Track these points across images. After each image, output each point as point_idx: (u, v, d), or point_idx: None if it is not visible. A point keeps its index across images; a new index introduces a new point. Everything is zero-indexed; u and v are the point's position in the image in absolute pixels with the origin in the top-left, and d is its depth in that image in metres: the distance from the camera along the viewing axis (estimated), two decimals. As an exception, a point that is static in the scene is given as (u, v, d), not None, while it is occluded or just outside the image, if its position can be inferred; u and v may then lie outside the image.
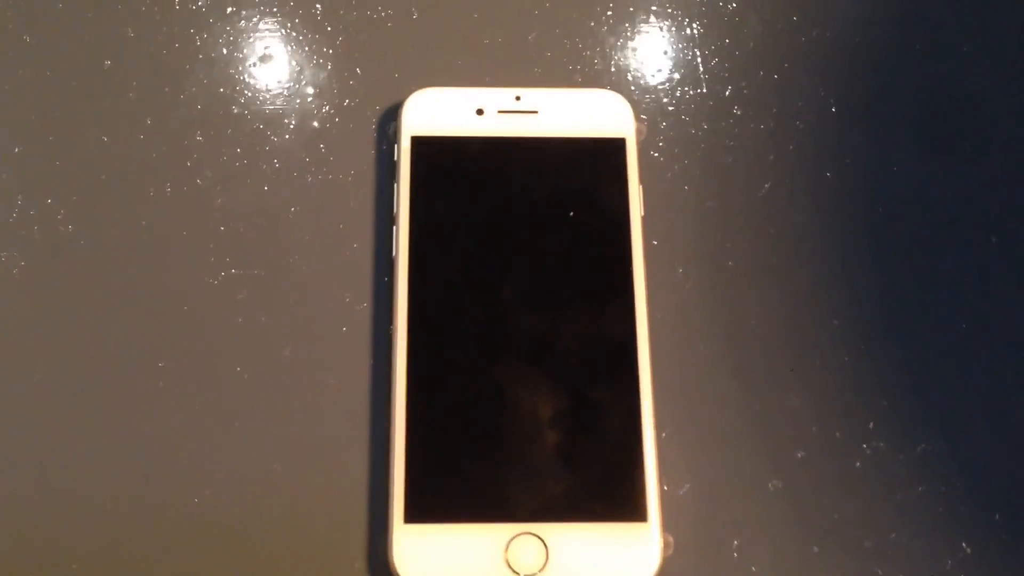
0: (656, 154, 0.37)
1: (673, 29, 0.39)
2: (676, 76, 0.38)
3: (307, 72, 0.38)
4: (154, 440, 0.33)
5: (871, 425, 0.34)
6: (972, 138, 0.37)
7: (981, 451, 0.34)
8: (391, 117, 0.37)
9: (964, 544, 0.33)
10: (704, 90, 0.38)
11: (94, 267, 0.35)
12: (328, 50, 0.38)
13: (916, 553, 0.32)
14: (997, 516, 0.33)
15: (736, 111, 0.38)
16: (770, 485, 0.33)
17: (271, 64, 0.38)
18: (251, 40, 0.38)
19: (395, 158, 0.35)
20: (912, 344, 0.35)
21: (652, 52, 0.39)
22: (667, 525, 0.32)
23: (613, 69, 0.38)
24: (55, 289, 0.35)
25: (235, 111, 0.37)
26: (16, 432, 0.33)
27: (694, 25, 0.39)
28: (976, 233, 0.36)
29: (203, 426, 0.33)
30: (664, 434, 0.33)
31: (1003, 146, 0.37)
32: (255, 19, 0.38)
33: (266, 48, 0.38)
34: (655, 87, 0.38)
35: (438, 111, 0.36)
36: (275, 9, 0.38)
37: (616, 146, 0.36)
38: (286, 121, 0.37)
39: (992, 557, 0.33)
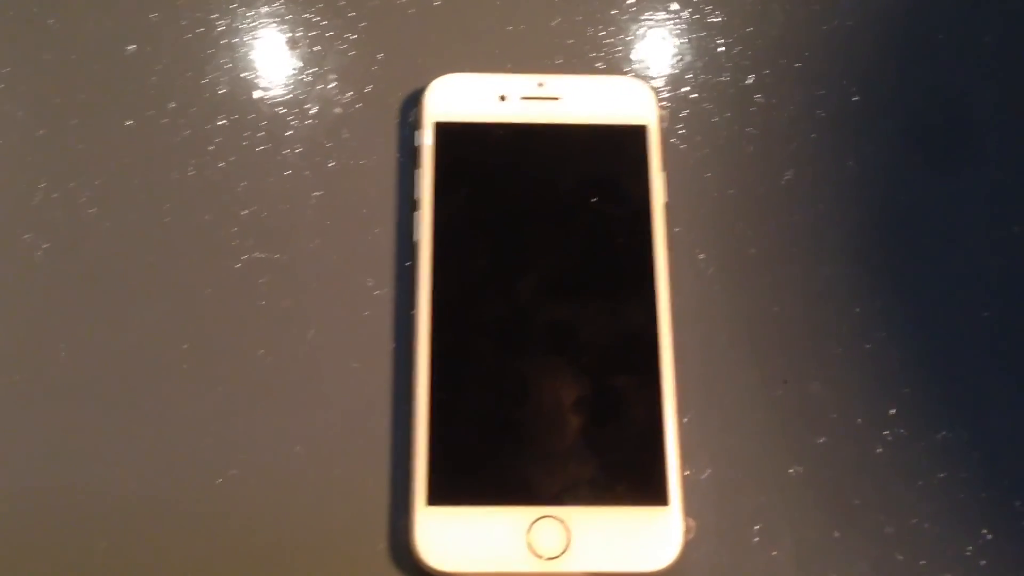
0: (678, 141, 0.37)
1: (695, 17, 0.39)
2: (698, 64, 0.38)
3: (330, 58, 0.38)
4: (177, 422, 0.33)
5: (892, 412, 0.34)
6: (1001, 122, 0.37)
7: (1002, 438, 0.34)
8: (413, 103, 0.37)
9: (985, 530, 0.33)
10: (726, 78, 0.38)
11: (117, 250, 0.35)
12: (351, 36, 0.38)
13: (937, 539, 0.33)
14: (1018, 503, 0.33)
15: (758, 99, 0.38)
16: (791, 471, 0.33)
17: (294, 49, 0.38)
18: (274, 25, 0.38)
19: (417, 144, 0.35)
20: (933, 331, 0.35)
21: (674, 39, 0.39)
22: (689, 509, 0.32)
23: (635, 56, 0.38)
24: (78, 272, 0.35)
25: (257, 96, 0.37)
26: (42, 414, 0.33)
27: (716, 13, 0.39)
28: (1000, 221, 0.36)
29: (226, 408, 0.33)
30: (686, 419, 0.33)
31: (1020, 134, 0.37)
32: (278, 4, 0.39)
33: (289, 33, 0.38)
34: (677, 74, 0.38)
35: (461, 97, 0.36)
36: (298, -5, 0.39)
37: (638, 133, 0.36)
38: (308, 107, 0.37)
39: (1013, 543, 0.33)
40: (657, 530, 0.31)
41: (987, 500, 0.33)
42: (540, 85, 0.36)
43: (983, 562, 0.32)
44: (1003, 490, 0.33)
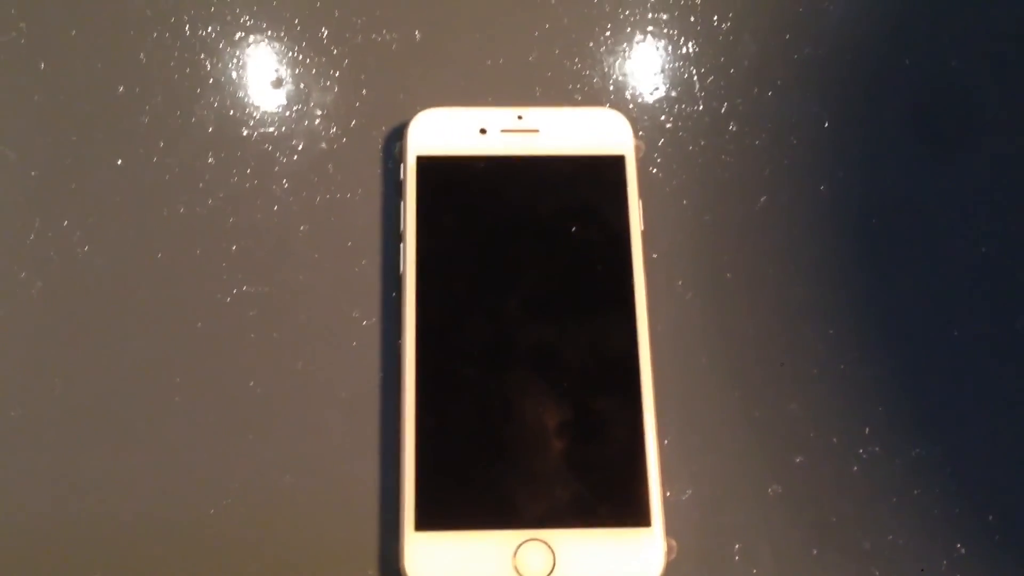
0: (655, 170, 0.38)
1: (669, 48, 0.40)
2: (673, 94, 0.39)
3: (314, 94, 0.39)
4: (171, 453, 0.34)
5: (867, 430, 0.35)
6: (964, 149, 0.38)
7: (974, 455, 0.35)
8: (396, 137, 0.38)
9: (959, 544, 0.34)
10: (700, 107, 0.39)
11: (110, 286, 0.36)
12: (335, 72, 0.39)
13: (912, 554, 0.33)
14: (991, 517, 0.34)
15: (732, 127, 0.39)
16: (770, 490, 0.34)
17: (279, 87, 0.39)
18: (259, 64, 0.39)
19: (401, 177, 0.36)
20: (906, 351, 0.36)
21: (649, 71, 0.40)
22: (670, 530, 0.33)
23: (612, 88, 0.39)
24: (73, 308, 0.36)
25: (245, 133, 0.38)
26: (35, 448, 0.34)
27: (690, 44, 0.40)
28: (967, 243, 0.37)
29: (218, 439, 0.34)
30: (666, 441, 0.34)
31: (994, 159, 0.38)
32: (263, 44, 0.40)
33: (274, 72, 0.39)
34: (653, 105, 0.39)
35: (442, 131, 0.37)
36: (282, 34, 0.40)
37: (616, 163, 0.37)
38: (294, 142, 0.38)
39: (986, 557, 0.33)
40: (640, 551, 0.32)
41: (961, 515, 0.34)
42: (519, 118, 0.37)
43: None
44: (976, 505, 0.34)
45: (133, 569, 0.33)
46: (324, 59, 0.39)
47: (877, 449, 0.35)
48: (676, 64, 0.40)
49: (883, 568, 0.33)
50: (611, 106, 0.38)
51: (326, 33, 0.40)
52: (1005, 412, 0.35)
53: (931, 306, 0.36)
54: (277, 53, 0.39)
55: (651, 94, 0.39)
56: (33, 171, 0.37)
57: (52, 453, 0.34)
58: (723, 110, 0.39)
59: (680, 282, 0.37)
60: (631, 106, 0.39)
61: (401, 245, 0.35)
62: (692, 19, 0.40)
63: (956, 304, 0.36)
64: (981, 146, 0.39)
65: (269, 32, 0.40)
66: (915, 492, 0.34)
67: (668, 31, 0.40)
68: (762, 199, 0.38)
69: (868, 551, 0.33)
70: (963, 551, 0.33)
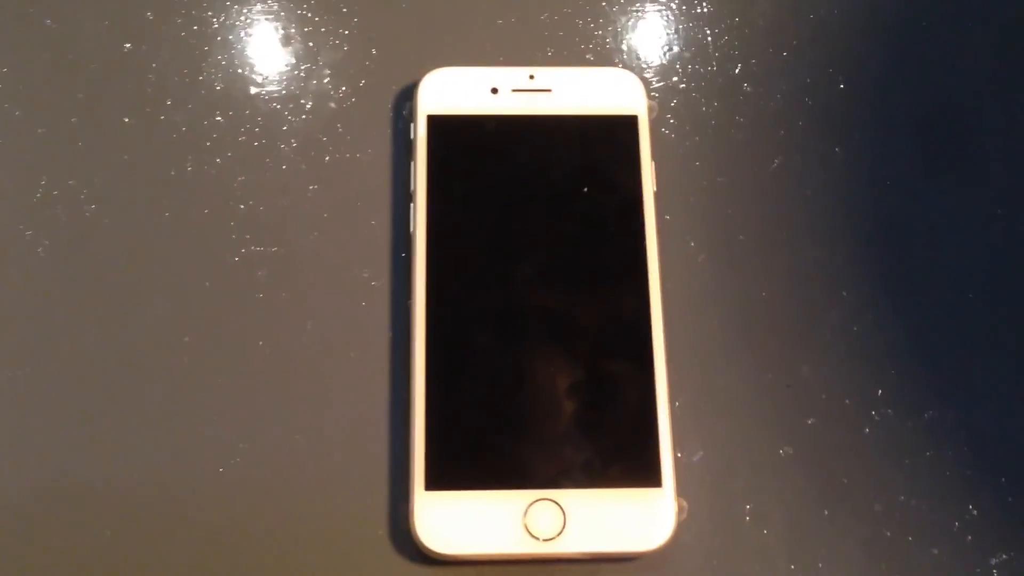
0: (667, 131, 0.38)
1: (683, 8, 0.39)
2: (686, 54, 0.39)
3: (324, 53, 0.38)
4: (179, 413, 0.34)
5: (880, 393, 0.35)
6: (990, 112, 0.38)
7: (987, 417, 0.34)
8: (407, 97, 0.38)
9: (971, 506, 0.33)
10: (714, 67, 0.39)
11: (117, 246, 0.36)
12: (344, 31, 0.39)
13: (924, 515, 0.33)
14: (1003, 479, 0.34)
15: (746, 88, 0.38)
16: (781, 452, 0.34)
17: (288, 45, 0.39)
18: (268, 22, 0.39)
19: (411, 137, 0.36)
20: (919, 314, 0.36)
21: (662, 31, 0.39)
22: (681, 491, 0.33)
23: (624, 48, 0.39)
24: (80, 268, 0.35)
25: (253, 91, 0.38)
26: (43, 408, 0.34)
27: (704, 4, 0.40)
28: (984, 205, 0.37)
29: (227, 399, 0.34)
30: (678, 403, 0.34)
31: (1005, 111, 0.38)
32: (272, 1, 0.39)
33: (283, 29, 0.39)
34: (666, 65, 0.39)
35: (453, 90, 0.36)
36: (291, -9, 0.39)
37: (628, 123, 0.36)
38: (303, 101, 0.38)
39: (998, 518, 0.33)
40: (650, 511, 0.32)
41: (972, 477, 0.34)
42: (531, 77, 0.37)
43: (969, 537, 0.33)
44: (988, 467, 0.34)
45: (142, 529, 0.32)
46: (334, 17, 0.39)
47: (889, 411, 0.34)
48: (689, 24, 0.39)
49: (894, 529, 0.33)
50: (623, 67, 0.38)
51: (335, -9, 0.39)
52: (1017, 375, 0.35)
53: (947, 268, 0.36)
54: (286, 11, 0.39)
55: (664, 55, 0.39)
56: (40, 129, 0.37)
57: (60, 413, 0.34)
58: (737, 71, 0.39)
59: (693, 244, 0.36)
60: (643, 67, 0.39)
61: (411, 205, 0.35)
62: (706, -21, 0.40)
63: (972, 265, 0.36)
64: (997, 102, 0.38)
65: (277, -10, 0.39)
66: (927, 454, 0.34)
67: (681, -9, 0.40)
68: (776, 161, 0.37)
69: (880, 513, 0.33)
70: (975, 512, 0.33)
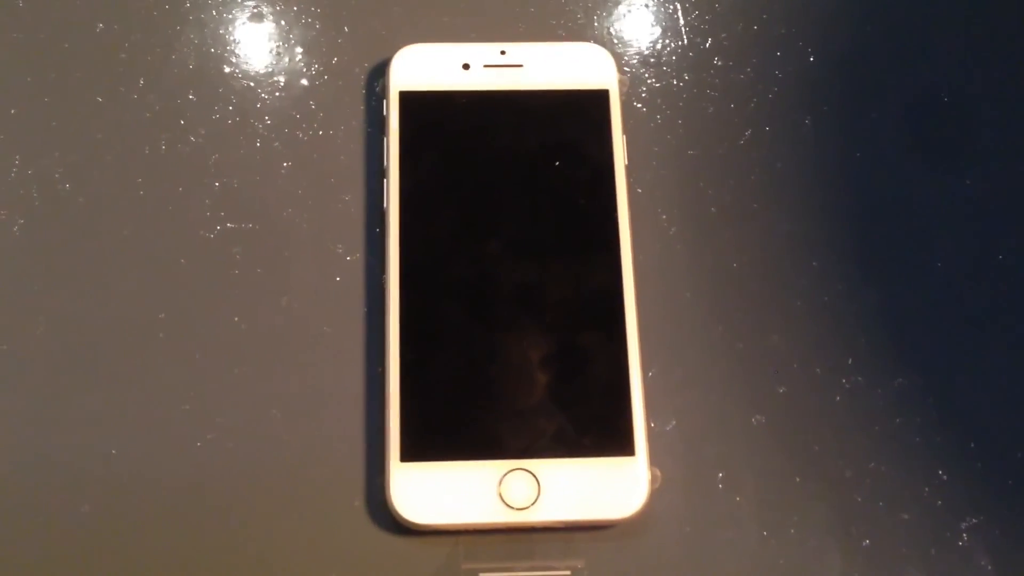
0: (639, 105, 0.38)
1: (653, -17, 0.40)
2: (657, 29, 0.39)
3: (296, 31, 0.38)
4: (155, 389, 0.34)
5: (850, 361, 0.35)
6: (958, 82, 0.38)
7: (955, 384, 0.35)
8: (379, 73, 0.38)
9: (940, 471, 0.34)
10: (685, 42, 0.39)
11: (92, 224, 0.36)
12: (316, 9, 0.39)
13: (894, 481, 0.34)
14: (972, 445, 0.34)
15: (716, 62, 0.39)
16: (753, 420, 0.34)
17: (260, 24, 0.39)
18: (240, 0, 0.39)
19: (384, 113, 0.36)
20: (888, 283, 0.36)
21: (633, 6, 0.39)
22: (654, 459, 0.33)
23: (596, 23, 0.39)
24: (55, 246, 0.35)
25: (226, 70, 0.38)
26: (18, 385, 0.34)
27: (674, -22, 0.40)
28: (952, 173, 0.37)
29: (203, 374, 0.34)
30: (651, 373, 0.34)
31: (975, 85, 0.38)
32: (244, -20, 0.39)
33: (255, 8, 0.39)
34: (637, 40, 0.39)
35: (425, 66, 0.37)
36: (263, -30, 0.39)
37: (600, 98, 0.37)
38: (276, 79, 0.38)
39: (966, 483, 0.34)
40: (624, 479, 0.32)
41: (942, 443, 0.34)
42: (503, 53, 0.37)
43: (939, 502, 0.34)
44: (957, 433, 0.34)
45: (120, 503, 0.33)
46: (305, -5, 0.39)
47: (859, 379, 0.35)
48: (660, -1, 0.39)
49: (865, 495, 0.33)
50: (595, 42, 0.38)
51: (307, -31, 0.39)
52: (987, 342, 0.35)
53: (914, 237, 0.36)
54: (258, -11, 0.39)
55: (635, 29, 0.39)
56: (12, 108, 0.37)
57: (35, 390, 0.34)
58: (707, 45, 0.39)
59: (664, 216, 0.37)
60: (615, 41, 0.39)
61: (384, 181, 0.35)
62: (676, -46, 0.40)
63: (939, 235, 0.37)
64: (964, 70, 0.39)
65: (249, -32, 0.39)
66: (897, 421, 0.34)
67: (652, -34, 0.40)
68: (747, 133, 0.38)
69: (850, 479, 0.34)
70: (945, 477, 0.34)
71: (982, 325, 0.36)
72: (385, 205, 0.35)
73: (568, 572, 0.32)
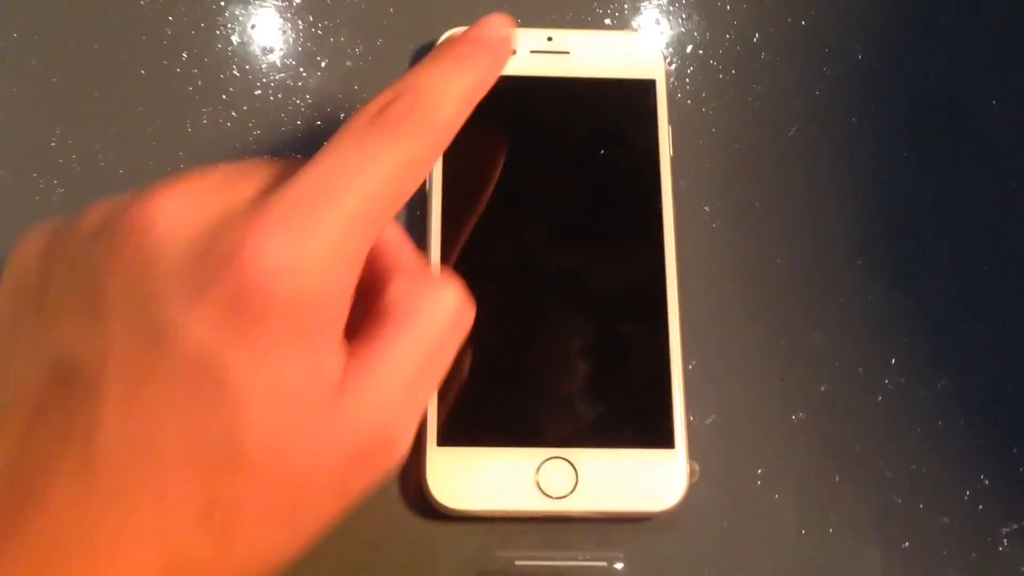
0: (684, 97, 0.38)
1: (703, -26, 0.39)
2: (704, 21, 0.39)
3: (342, 10, 0.38)
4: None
5: (893, 361, 0.35)
6: (1003, 87, 0.38)
7: (999, 387, 0.34)
8: (424, 56, 0.37)
9: (982, 476, 0.34)
10: (732, 35, 0.39)
11: (131, 197, 0.35)
12: (362, -11, 0.39)
13: (935, 483, 0.33)
14: (1015, 450, 0.34)
15: (763, 56, 0.38)
16: (794, 417, 0.34)
17: (305, 2, 0.38)
18: (286, -22, 0.39)
19: (428, 96, 0.36)
20: (934, 283, 0.36)
21: (681, -3, 0.39)
22: (693, 453, 0.33)
23: (643, 13, 0.39)
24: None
25: (270, 46, 0.38)
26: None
27: (723, -29, 0.39)
28: (998, 176, 0.37)
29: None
30: (691, 366, 0.34)
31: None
32: (290, -42, 0.39)
33: (301, -14, 0.39)
34: (684, 32, 0.39)
35: (471, 50, 0.36)
36: (310, -52, 0.39)
37: (646, 88, 0.36)
38: (320, 59, 0.38)
39: (1009, 488, 0.33)
40: (662, 472, 0.32)
41: (984, 447, 0.34)
42: (549, 39, 0.37)
43: (980, 507, 0.33)
44: (1000, 437, 0.34)
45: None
46: (352, -25, 0.39)
47: (902, 380, 0.34)
48: (709, -9, 0.39)
49: (905, 497, 0.33)
50: (641, 32, 0.38)
51: (354, -51, 0.39)
52: (1031, 348, 0.35)
53: (961, 238, 0.36)
54: (304, -33, 0.39)
55: (682, 21, 0.39)
56: (55, 78, 0.37)
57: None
58: (755, 39, 0.38)
59: (707, 209, 0.36)
60: (662, 33, 0.39)
61: (427, 163, 0.35)
62: (726, -53, 0.40)
63: (985, 237, 0.36)
64: (1018, 71, 0.38)
65: (296, -53, 0.39)
66: (939, 423, 0.34)
67: (701, -42, 0.40)
68: (792, 129, 0.37)
69: (891, 480, 0.33)
70: (987, 482, 0.33)
71: (1027, 330, 0.35)
72: (427, 188, 0.35)
73: (604, 563, 0.32)
